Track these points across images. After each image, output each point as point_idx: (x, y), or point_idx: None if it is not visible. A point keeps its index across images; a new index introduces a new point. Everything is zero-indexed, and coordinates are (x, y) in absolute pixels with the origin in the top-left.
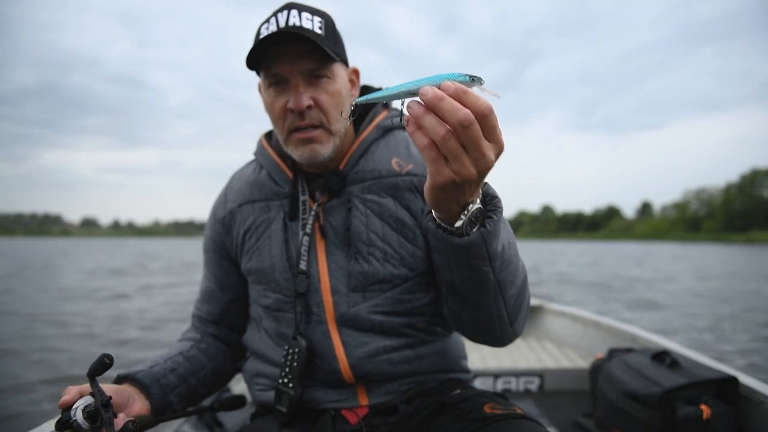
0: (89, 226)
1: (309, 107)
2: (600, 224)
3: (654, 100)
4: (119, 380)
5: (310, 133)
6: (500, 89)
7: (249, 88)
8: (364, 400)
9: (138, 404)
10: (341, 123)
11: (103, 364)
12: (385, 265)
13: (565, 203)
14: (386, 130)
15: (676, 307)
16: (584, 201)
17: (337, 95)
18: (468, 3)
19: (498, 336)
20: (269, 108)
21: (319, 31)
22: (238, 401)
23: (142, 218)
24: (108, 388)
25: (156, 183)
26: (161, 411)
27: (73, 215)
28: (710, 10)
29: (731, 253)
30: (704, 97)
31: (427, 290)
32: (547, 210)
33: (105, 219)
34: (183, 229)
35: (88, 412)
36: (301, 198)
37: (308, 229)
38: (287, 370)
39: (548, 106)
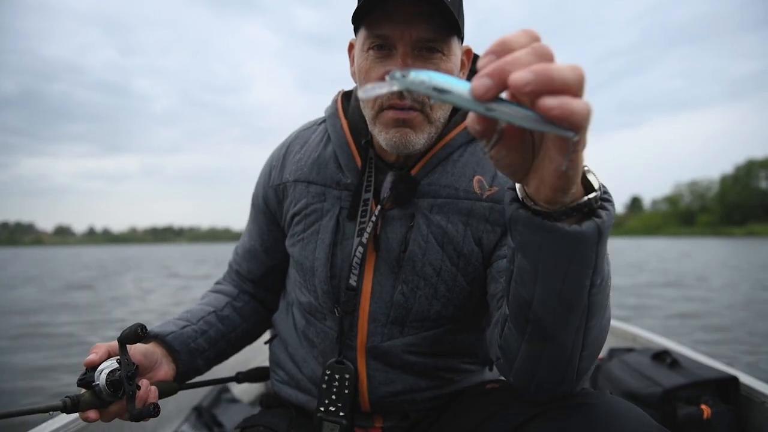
0: (63, 234)
1: None
2: None
3: (629, 100)
4: (147, 338)
5: (408, 114)
6: None
7: (233, 94)
8: (378, 423)
9: (164, 369)
10: (443, 111)
11: (135, 334)
12: (432, 303)
13: None
14: None
15: None
16: None
17: None
18: None
19: (552, 390)
20: (364, 74)
21: None
22: (262, 373)
23: (119, 225)
24: (137, 348)
25: (135, 189)
26: (186, 375)
27: (46, 223)
28: (682, 13)
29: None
30: (678, 97)
31: (471, 330)
32: None
33: (80, 226)
34: (160, 235)
35: (111, 381)
36: (364, 196)
37: (364, 239)
38: (333, 397)
39: None
